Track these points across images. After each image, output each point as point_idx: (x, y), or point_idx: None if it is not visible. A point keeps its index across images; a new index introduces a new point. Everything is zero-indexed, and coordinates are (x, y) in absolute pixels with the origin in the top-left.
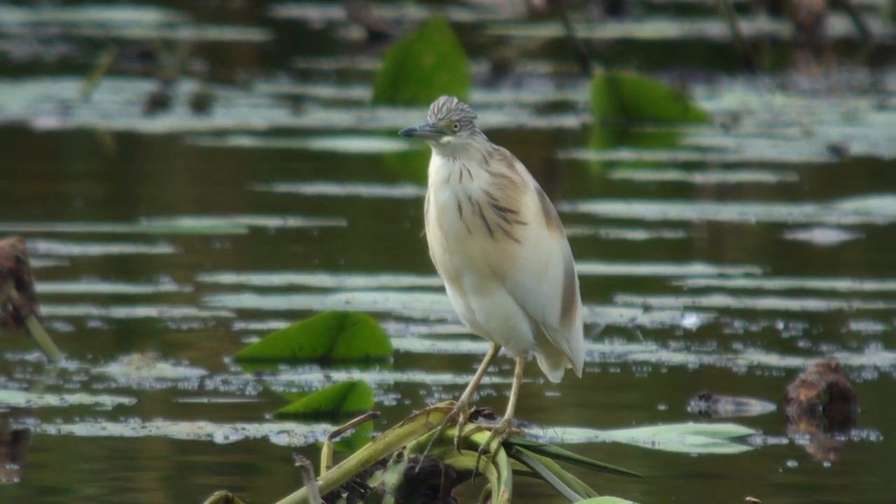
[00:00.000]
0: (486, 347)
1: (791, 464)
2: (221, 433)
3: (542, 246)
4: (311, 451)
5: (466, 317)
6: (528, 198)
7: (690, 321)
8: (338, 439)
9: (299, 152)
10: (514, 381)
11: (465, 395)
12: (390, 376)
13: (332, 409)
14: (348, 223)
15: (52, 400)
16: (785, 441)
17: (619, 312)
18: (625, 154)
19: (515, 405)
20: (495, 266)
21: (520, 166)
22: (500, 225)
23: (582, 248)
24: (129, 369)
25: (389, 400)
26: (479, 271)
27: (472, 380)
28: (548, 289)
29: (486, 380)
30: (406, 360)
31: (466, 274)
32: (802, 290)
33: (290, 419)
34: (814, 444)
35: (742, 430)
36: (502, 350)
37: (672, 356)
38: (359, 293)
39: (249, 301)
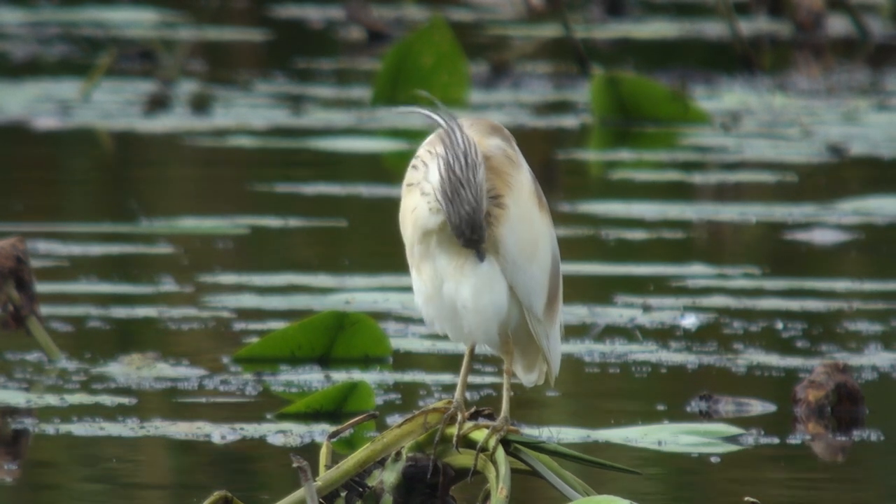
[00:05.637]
0: (485, 348)
1: (792, 464)
2: (219, 433)
3: (535, 225)
4: (311, 451)
5: (432, 301)
6: (522, 176)
7: (690, 321)
8: (335, 440)
9: (299, 152)
10: (505, 378)
11: (457, 394)
12: (390, 376)
13: (334, 409)
14: (348, 223)
15: (51, 400)
16: (790, 441)
17: (619, 313)
18: (624, 154)
19: (510, 402)
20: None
21: (516, 147)
22: (489, 210)
23: (582, 248)
24: (129, 369)
25: (389, 400)
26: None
27: (459, 379)
28: (537, 272)
29: (487, 379)
30: (406, 360)
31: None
32: (802, 290)
33: (291, 419)
34: (819, 445)
35: (733, 429)
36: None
37: (672, 356)
38: (359, 293)
39: (249, 301)
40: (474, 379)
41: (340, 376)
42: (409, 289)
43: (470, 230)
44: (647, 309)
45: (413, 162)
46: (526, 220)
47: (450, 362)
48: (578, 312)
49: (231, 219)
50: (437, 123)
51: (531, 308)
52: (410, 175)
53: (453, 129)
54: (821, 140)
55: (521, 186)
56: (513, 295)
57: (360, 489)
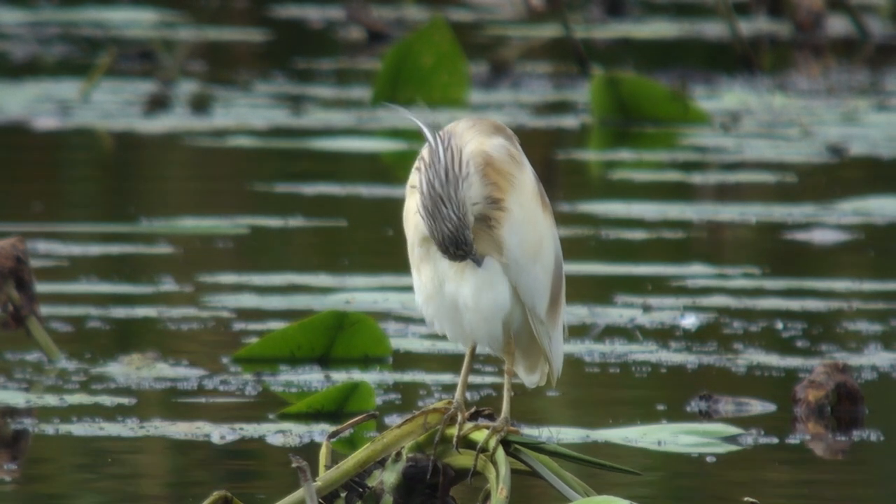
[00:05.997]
0: (485, 348)
1: (792, 464)
2: (219, 433)
3: (538, 225)
4: (311, 451)
5: (433, 300)
6: (525, 177)
7: (689, 321)
8: (335, 440)
9: (299, 152)
10: (505, 378)
11: (458, 394)
12: (389, 376)
13: (335, 410)
14: (348, 223)
15: (51, 400)
16: (790, 441)
17: (619, 313)
18: (624, 154)
19: (511, 402)
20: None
21: (518, 146)
22: (490, 214)
23: (582, 248)
24: (129, 369)
25: (389, 400)
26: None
27: (459, 379)
28: (540, 272)
29: (487, 379)
30: (406, 360)
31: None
32: (802, 290)
33: (291, 420)
34: (818, 445)
35: (733, 429)
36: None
37: (672, 356)
38: (359, 293)
39: (249, 301)
40: (474, 379)
41: (340, 376)
42: (409, 289)
43: (454, 247)
44: (647, 309)
45: (417, 164)
46: (529, 220)
47: (450, 362)
48: (578, 312)
49: (231, 219)
50: (424, 136)
51: (534, 309)
52: (414, 177)
53: (438, 143)
54: (821, 140)
55: (524, 187)
56: (516, 296)
57: (360, 489)
